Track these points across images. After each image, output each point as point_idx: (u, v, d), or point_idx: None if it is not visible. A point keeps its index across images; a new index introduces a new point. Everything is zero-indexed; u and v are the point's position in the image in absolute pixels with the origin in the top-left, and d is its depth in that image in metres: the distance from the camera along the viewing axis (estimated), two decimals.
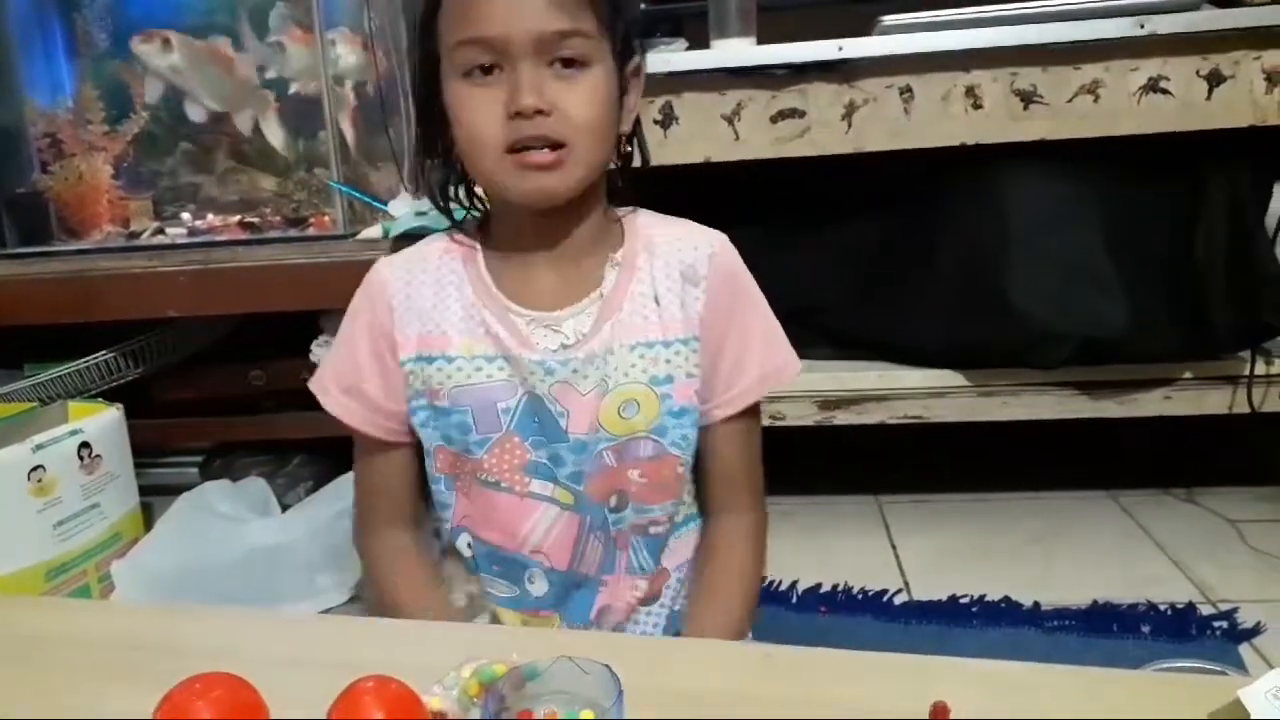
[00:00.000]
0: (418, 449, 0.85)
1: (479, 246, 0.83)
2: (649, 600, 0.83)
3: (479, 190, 0.85)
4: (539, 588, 0.79)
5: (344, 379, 0.84)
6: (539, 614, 0.80)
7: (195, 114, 1.60)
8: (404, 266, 0.83)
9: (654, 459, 0.80)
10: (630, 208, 0.85)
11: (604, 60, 0.75)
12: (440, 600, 0.82)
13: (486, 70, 0.74)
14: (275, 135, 1.61)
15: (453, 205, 0.86)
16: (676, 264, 0.81)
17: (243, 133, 1.61)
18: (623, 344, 0.78)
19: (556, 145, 0.74)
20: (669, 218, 0.85)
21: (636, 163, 0.85)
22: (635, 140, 0.84)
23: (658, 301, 0.80)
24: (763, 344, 0.83)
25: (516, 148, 0.74)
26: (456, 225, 0.86)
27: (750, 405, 0.82)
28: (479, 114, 0.74)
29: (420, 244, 0.85)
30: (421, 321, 0.81)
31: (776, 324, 0.85)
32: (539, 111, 0.72)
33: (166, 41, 1.56)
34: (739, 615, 0.82)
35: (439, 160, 0.83)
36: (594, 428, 0.78)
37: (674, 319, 0.79)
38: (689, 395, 0.80)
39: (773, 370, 0.83)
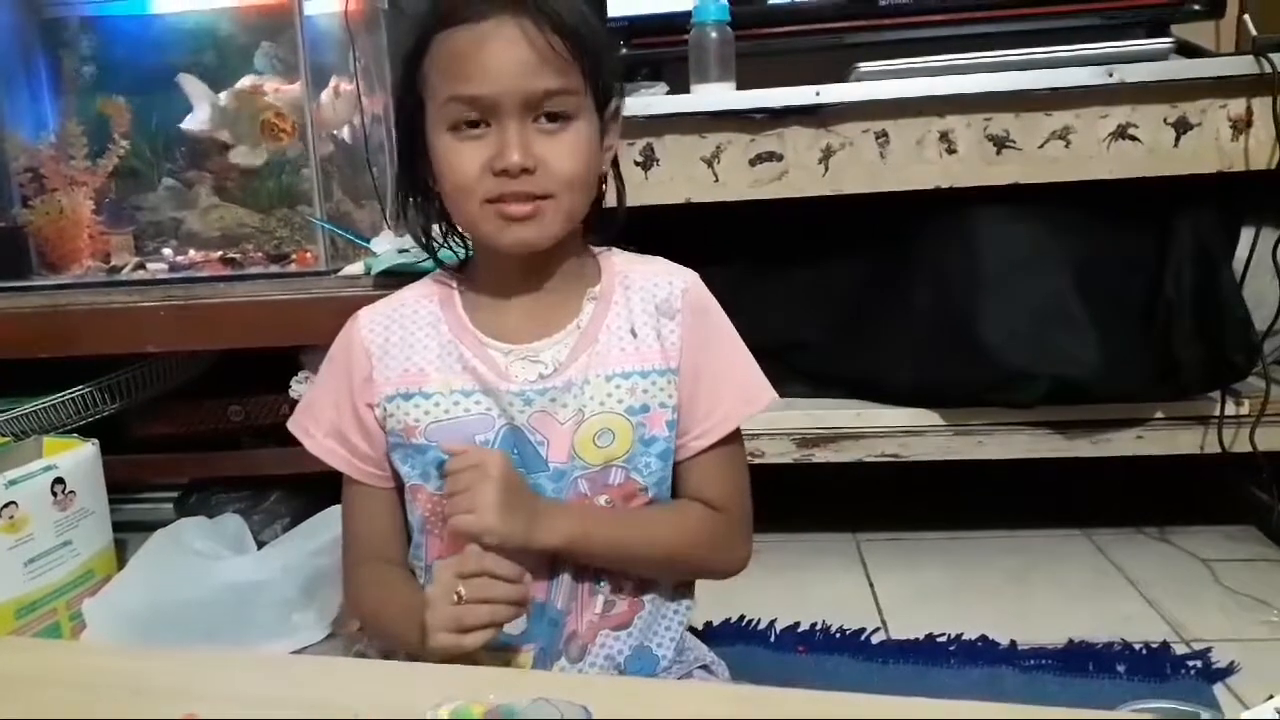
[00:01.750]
0: (402, 491, 0.85)
1: (456, 286, 0.86)
2: (619, 626, 0.83)
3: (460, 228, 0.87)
4: (517, 625, 0.79)
5: (325, 424, 0.85)
6: (520, 650, 0.80)
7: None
8: (382, 312, 0.86)
9: (621, 486, 0.81)
10: (604, 247, 0.87)
11: (587, 112, 0.78)
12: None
13: (473, 124, 0.76)
14: None
15: (437, 245, 0.87)
16: (652, 298, 0.83)
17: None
18: (599, 374, 0.80)
19: (539, 196, 0.76)
20: (642, 255, 0.88)
21: (612, 202, 0.87)
22: (612, 179, 0.86)
23: (634, 333, 0.82)
24: (737, 373, 0.85)
25: (497, 198, 0.76)
26: (442, 266, 0.88)
27: (729, 434, 0.84)
28: (464, 166, 0.76)
29: (399, 291, 0.88)
30: (399, 362, 0.82)
31: (749, 354, 0.87)
32: (524, 170, 0.74)
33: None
34: (647, 530, 0.82)
35: (420, 200, 0.85)
36: (570, 456, 0.79)
37: (651, 350, 0.81)
38: (661, 425, 0.81)
39: (749, 397, 0.85)
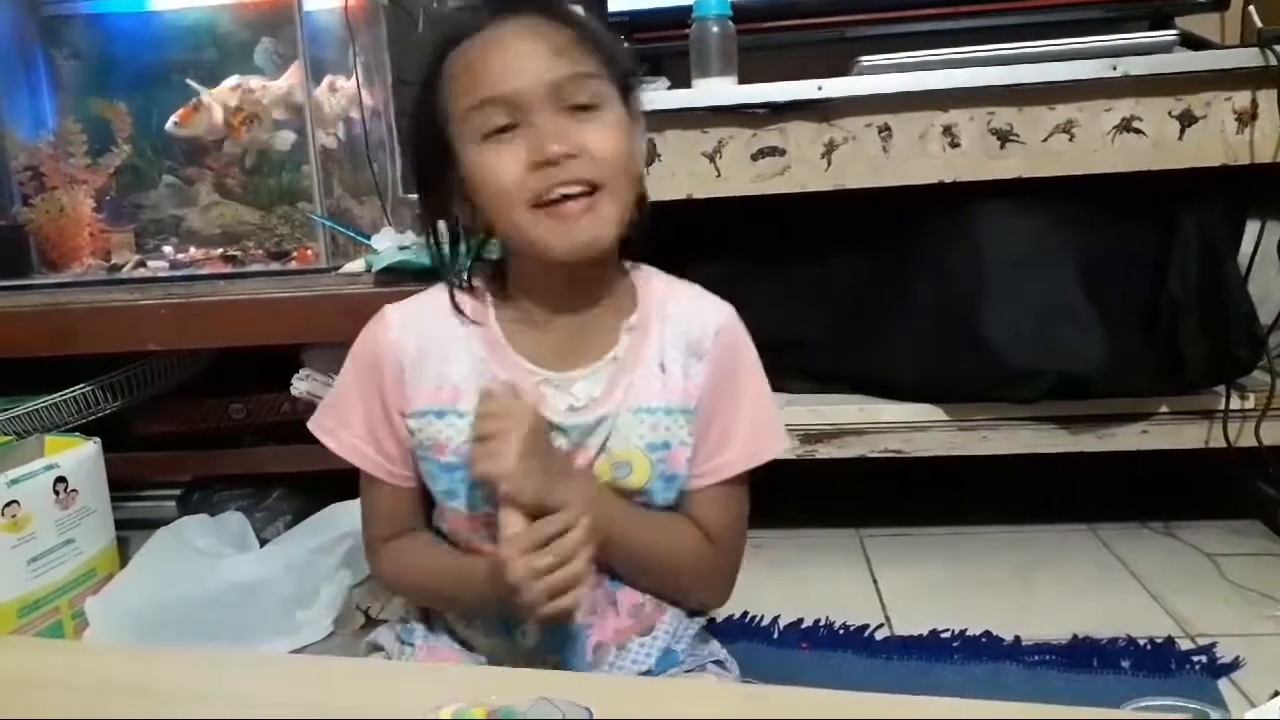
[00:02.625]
0: (424, 489, 0.85)
1: (490, 300, 0.82)
2: (644, 632, 0.83)
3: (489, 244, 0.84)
4: (530, 638, 0.79)
5: (353, 425, 0.83)
6: (544, 659, 0.80)
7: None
8: (413, 316, 0.82)
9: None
10: (638, 265, 0.85)
11: (614, 101, 0.76)
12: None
13: (504, 129, 0.74)
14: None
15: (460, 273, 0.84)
16: (685, 334, 0.81)
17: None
18: (628, 407, 0.79)
19: (589, 188, 0.73)
20: (679, 281, 0.85)
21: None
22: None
23: (663, 368, 0.80)
24: (751, 422, 0.83)
25: (547, 199, 0.73)
26: (471, 267, 0.84)
27: (731, 477, 0.82)
28: (503, 169, 0.73)
29: (430, 292, 0.84)
30: (433, 376, 0.80)
31: (770, 402, 0.85)
32: (568, 155, 0.72)
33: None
34: (650, 532, 0.81)
35: (447, 226, 0.82)
36: None
37: (676, 388, 0.80)
38: (682, 463, 0.80)
39: (755, 450, 0.83)
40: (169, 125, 1.58)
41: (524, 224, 0.74)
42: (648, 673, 0.82)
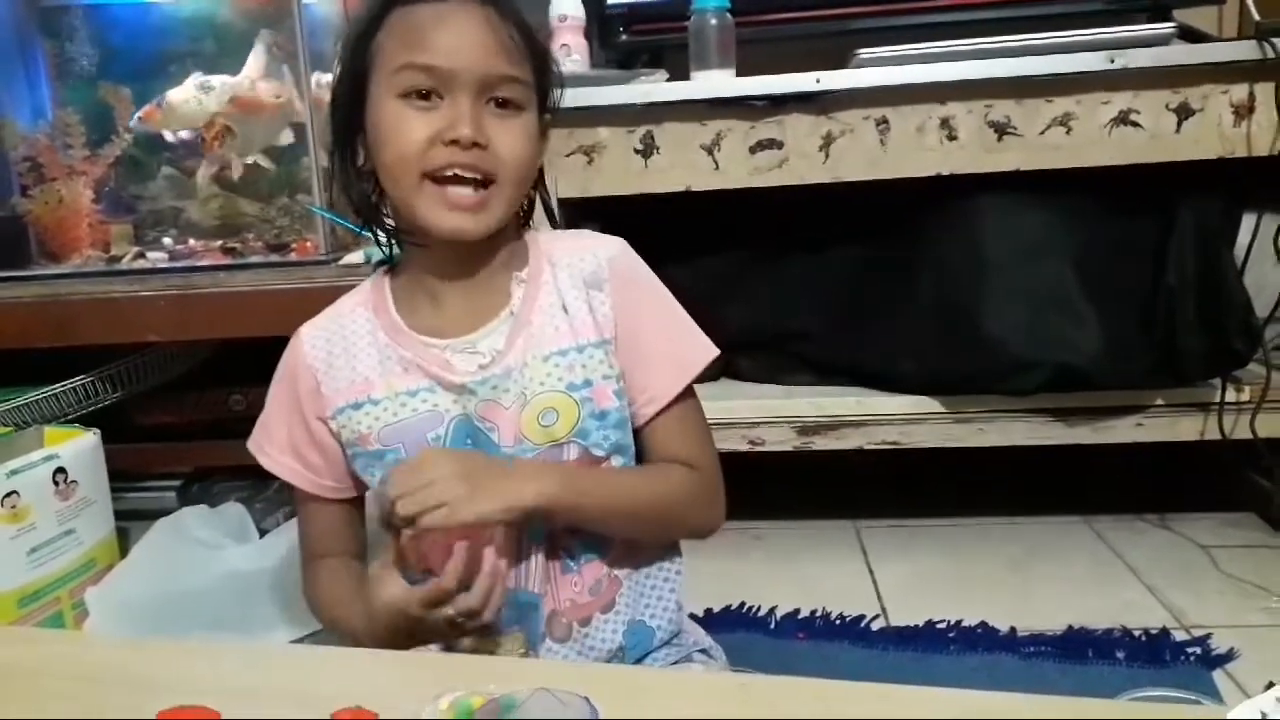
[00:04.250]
0: (358, 501, 0.87)
1: (387, 288, 0.86)
2: (606, 608, 0.83)
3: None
4: (492, 613, 0.79)
5: (279, 442, 0.87)
6: (506, 635, 0.80)
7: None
8: (322, 327, 0.86)
9: (579, 461, 0.81)
10: (531, 228, 0.88)
11: (532, 108, 0.80)
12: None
13: (424, 96, 0.76)
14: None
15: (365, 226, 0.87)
16: (579, 272, 0.83)
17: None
18: (535, 355, 0.80)
19: (483, 183, 0.77)
20: (567, 231, 0.90)
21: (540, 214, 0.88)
22: (538, 190, 0.88)
23: (566, 310, 0.82)
24: (672, 338, 0.85)
25: (441, 175, 0.76)
26: (390, 237, 0.86)
27: (676, 397, 0.84)
28: (410, 134, 0.76)
29: (337, 301, 0.88)
30: (345, 375, 0.83)
31: (685, 315, 0.87)
32: (475, 144, 0.75)
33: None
34: (632, 487, 0.82)
35: (355, 175, 0.83)
36: (518, 439, 0.80)
37: (585, 324, 0.82)
38: (609, 397, 0.81)
39: (685, 363, 0.84)
40: (132, 122, 1.58)
41: (410, 190, 0.77)
42: (621, 649, 0.83)
